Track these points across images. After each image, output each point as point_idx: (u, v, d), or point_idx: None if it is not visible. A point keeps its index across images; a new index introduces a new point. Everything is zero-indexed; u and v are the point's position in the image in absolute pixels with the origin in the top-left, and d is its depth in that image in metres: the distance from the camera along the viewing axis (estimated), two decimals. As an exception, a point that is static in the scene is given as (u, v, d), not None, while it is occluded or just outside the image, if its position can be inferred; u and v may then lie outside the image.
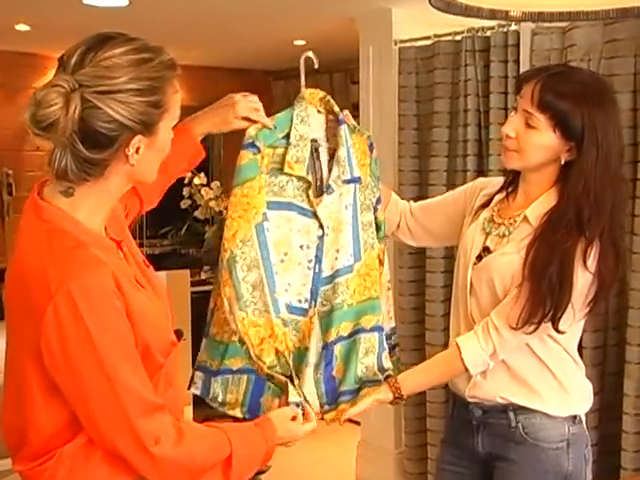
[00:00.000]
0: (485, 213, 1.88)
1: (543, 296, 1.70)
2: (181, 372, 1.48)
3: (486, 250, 1.83)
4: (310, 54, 1.91)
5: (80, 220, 1.33)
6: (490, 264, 1.80)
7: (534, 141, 1.74)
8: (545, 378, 1.81)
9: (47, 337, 1.25)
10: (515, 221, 1.81)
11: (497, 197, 1.89)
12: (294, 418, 1.58)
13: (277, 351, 1.72)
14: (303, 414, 1.61)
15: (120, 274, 1.31)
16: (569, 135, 1.71)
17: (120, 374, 1.27)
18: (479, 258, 1.83)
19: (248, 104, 1.79)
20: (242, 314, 1.70)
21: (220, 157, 5.77)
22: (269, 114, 1.83)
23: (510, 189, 1.88)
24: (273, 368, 1.71)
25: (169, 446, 1.31)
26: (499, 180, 1.98)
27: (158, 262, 2.18)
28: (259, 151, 1.77)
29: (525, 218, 1.79)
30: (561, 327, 1.72)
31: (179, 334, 1.46)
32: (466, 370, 1.78)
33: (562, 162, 1.75)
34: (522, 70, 2.94)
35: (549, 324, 1.72)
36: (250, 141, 1.76)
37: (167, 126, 1.36)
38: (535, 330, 1.72)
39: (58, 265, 1.26)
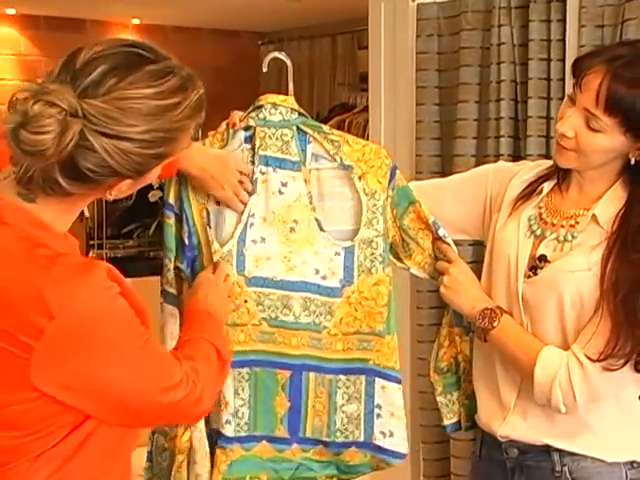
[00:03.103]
0: (528, 211, 1.87)
1: (630, 328, 1.69)
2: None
3: (542, 259, 1.81)
4: (277, 54, 1.91)
5: (47, 224, 1.36)
6: (557, 281, 1.78)
7: (598, 144, 1.72)
8: (600, 417, 1.80)
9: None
10: (578, 222, 1.80)
11: (545, 189, 1.87)
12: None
13: None
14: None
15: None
16: None
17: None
18: (533, 269, 1.82)
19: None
20: None
21: (197, 139, 5.76)
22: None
23: (559, 178, 1.86)
24: None
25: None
26: (527, 166, 1.96)
27: (122, 268, 2.18)
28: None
29: (594, 219, 1.77)
30: None
31: None
32: (532, 376, 1.77)
33: (632, 162, 1.74)
34: (569, 33, 2.92)
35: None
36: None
37: (162, 165, 1.40)
38: (624, 365, 1.70)
39: (54, 281, 1.29)
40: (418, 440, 3.40)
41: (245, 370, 1.88)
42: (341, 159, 1.88)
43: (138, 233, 5.84)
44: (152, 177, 1.42)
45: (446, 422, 2.03)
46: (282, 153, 1.85)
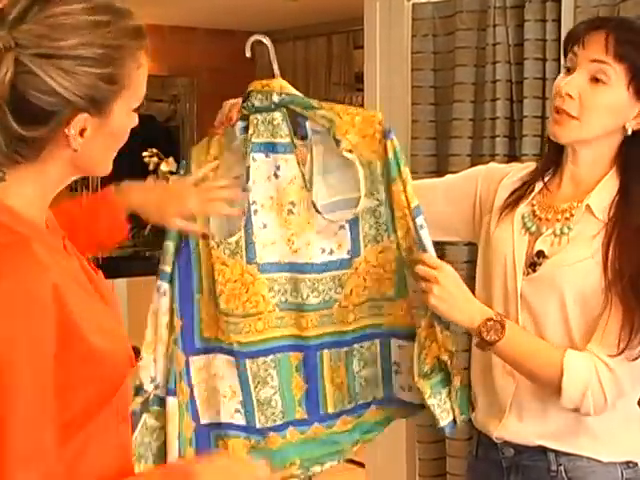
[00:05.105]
0: (521, 209, 1.87)
1: None
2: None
3: (540, 255, 1.81)
4: (259, 37, 1.93)
5: (16, 209, 1.31)
6: (557, 275, 1.77)
7: (602, 100, 1.73)
8: (596, 417, 1.78)
9: None
10: (572, 214, 1.80)
11: (537, 187, 1.87)
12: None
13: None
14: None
15: (66, 279, 1.30)
16: None
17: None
18: (532, 266, 1.81)
19: (204, 195, 1.85)
20: None
21: (194, 140, 5.77)
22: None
23: (549, 175, 1.87)
24: None
25: None
26: (517, 166, 1.97)
27: (117, 267, 2.19)
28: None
29: (588, 209, 1.77)
30: None
31: (135, 352, 1.48)
32: (559, 390, 1.74)
33: (629, 131, 1.75)
34: (564, 32, 2.93)
35: None
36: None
37: (125, 107, 1.35)
38: None
39: None
40: (414, 440, 3.40)
41: (270, 358, 1.90)
42: (334, 134, 1.88)
43: (133, 233, 5.83)
44: (118, 124, 1.36)
45: (442, 423, 1.97)
46: (273, 137, 1.87)
